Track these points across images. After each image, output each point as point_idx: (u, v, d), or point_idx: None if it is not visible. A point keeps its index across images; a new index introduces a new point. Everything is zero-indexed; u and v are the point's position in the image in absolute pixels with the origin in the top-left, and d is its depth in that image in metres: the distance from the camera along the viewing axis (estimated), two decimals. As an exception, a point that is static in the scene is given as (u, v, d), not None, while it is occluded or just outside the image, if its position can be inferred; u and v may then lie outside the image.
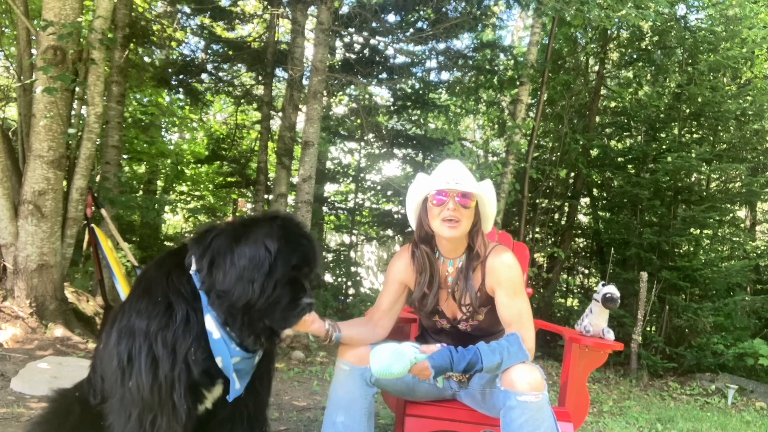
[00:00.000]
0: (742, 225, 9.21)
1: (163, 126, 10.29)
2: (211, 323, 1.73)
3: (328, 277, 8.57)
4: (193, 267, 1.75)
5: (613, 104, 9.62)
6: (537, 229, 8.66)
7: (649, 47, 8.45)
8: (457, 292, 2.08)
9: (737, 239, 8.31)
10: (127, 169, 9.24)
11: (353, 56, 7.84)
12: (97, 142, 4.84)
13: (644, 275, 6.33)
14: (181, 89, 8.31)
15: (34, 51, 4.73)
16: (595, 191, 9.30)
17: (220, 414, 1.89)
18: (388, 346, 1.78)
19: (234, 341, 1.75)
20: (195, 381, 1.72)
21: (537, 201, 8.64)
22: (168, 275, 1.76)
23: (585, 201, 9.45)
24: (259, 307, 1.69)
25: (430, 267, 2.10)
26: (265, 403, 2.02)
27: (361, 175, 9.20)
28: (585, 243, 9.81)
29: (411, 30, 7.28)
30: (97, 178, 6.08)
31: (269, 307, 1.70)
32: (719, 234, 8.25)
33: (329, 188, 9.88)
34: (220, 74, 8.53)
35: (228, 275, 1.66)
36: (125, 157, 8.38)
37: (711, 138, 8.17)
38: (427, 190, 2.03)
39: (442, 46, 7.85)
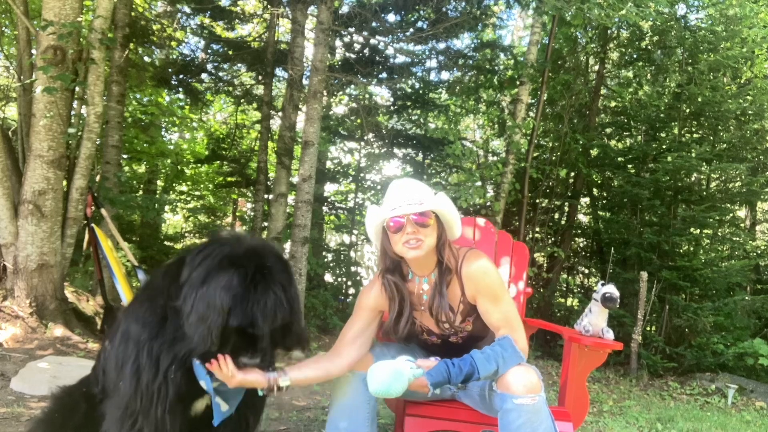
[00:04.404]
0: (742, 225, 9.20)
1: (163, 126, 10.29)
2: None
3: (328, 277, 8.57)
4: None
5: (613, 104, 9.61)
6: (537, 229, 8.65)
7: (649, 47, 8.44)
8: (434, 308, 2.04)
9: (737, 239, 8.30)
10: (127, 169, 9.23)
11: (353, 56, 7.83)
12: (97, 142, 4.84)
13: (644, 275, 6.32)
14: (181, 89, 8.32)
15: (34, 51, 4.73)
16: (595, 191, 9.29)
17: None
18: (385, 366, 1.74)
19: None
20: (179, 396, 1.67)
21: (537, 201, 8.63)
22: (169, 286, 1.70)
23: (585, 201, 9.45)
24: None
25: (399, 294, 2.05)
26: (260, 406, 1.99)
27: (361, 174, 9.19)
28: (585, 243, 9.80)
29: (411, 30, 7.28)
30: (97, 178, 6.09)
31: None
32: (719, 234, 8.25)
33: (329, 188, 9.87)
34: (220, 74, 8.54)
35: (188, 316, 1.59)
36: (125, 157, 8.38)
37: (711, 138, 8.16)
38: (382, 218, 1.97)
39: (442, 45, 7.86)
